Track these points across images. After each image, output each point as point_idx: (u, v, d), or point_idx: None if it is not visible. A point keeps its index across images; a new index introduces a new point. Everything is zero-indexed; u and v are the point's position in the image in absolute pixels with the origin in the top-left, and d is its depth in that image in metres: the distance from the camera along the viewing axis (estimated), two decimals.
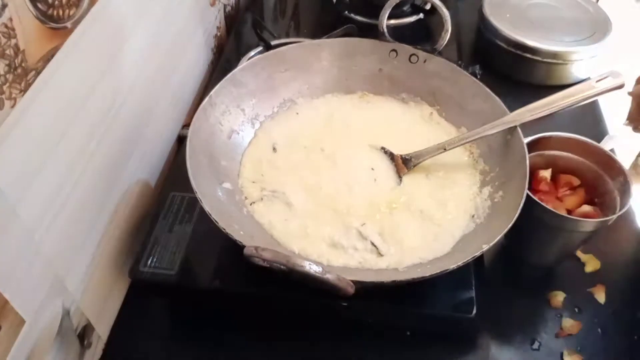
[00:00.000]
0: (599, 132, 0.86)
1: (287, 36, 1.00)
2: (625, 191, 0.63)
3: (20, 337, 0.47)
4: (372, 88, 0.77)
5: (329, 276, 0.48)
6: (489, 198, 0.63)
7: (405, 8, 0.98)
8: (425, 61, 0.74)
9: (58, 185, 0.52)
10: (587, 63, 0.91)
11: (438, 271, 0.50)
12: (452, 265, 0.51)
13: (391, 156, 0.68)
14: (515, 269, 0.70)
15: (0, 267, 0.44)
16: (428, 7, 0.97)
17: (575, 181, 0.67)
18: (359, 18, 0.97)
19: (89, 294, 0.59)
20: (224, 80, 0.68)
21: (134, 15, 0.65)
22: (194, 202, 0.60)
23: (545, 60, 0.90)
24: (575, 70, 0.92)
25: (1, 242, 0.44)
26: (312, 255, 0.58)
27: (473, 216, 0.62)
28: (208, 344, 0.62)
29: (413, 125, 0.73)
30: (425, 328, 0.62)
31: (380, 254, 0.59)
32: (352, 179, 0.65)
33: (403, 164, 0.67)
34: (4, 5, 0.42)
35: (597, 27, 0.93)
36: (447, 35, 0.73)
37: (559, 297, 0.66)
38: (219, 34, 1.00)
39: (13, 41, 0.43)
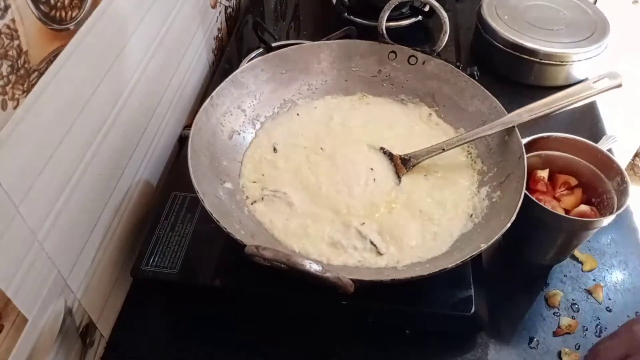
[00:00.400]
0: (598, 132, 0.87)
1: (288, 38, 1.01)
2: (622, 191, 0.63)
3: (22, 336, 0.48)
4: (371, 89, 0.77)
5: (328, 275, 0.48)
6: (487, 198, 0.63)
7: (404, 10, 0.99)
8: (424, 62, 0.74)
9: (60, 185, 0.52)
10: (585, 64, 0.92)
11: (437, 270, 0.51)
12: (450, 264, 0.51)
13: (390, 156, 0.69)
14: (513, 268, 0.70)
15: (3, 266, 0.45)
16: (427, 9, 0.97)
17: (573, 181, 0.68)
18: (358, 20, 0.97)
19: (91, 293, 0.60)
20: (225, 81, 0.68)
21: (136, 17, 0.65)
22: (196, 201, 0.61)
23: (543, 61, 0.91)
24: (573, 71, 0.92)
25: (4, 241, 0.44)
26: (312, 254, 0.59)
27: (471, 216, 0.62)
28: (209, 343, 0.63)
29: (412, 126, 0.74)
30: (424, 326, 0.62)
31: (379, 253, 0.59)
32: (351, 179, 0.65)
33: (402, 164, 0.67)
34: (7, 7, 0.42)
35: (595, 28, 0.93)
36: (445, 37, 0.73)
37: (557, 296, 0.67)
38: (220, 35, 1.00)
39: (16, 42, 0.44)
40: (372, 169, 0.67)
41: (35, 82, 0.46)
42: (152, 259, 0.61)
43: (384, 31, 0.75)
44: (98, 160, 0.59)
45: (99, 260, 0.61)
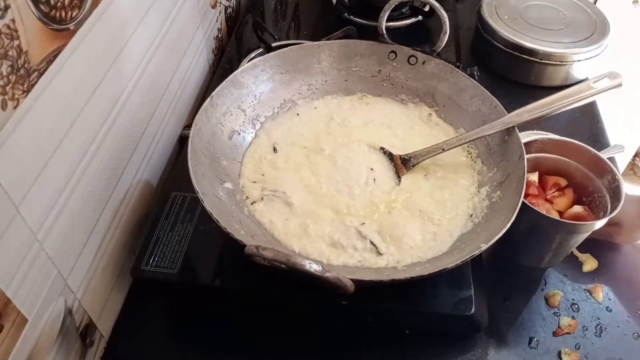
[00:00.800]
0: (598, 132, 0.87)
1: (288, 38, 1.01)
2: (615, 189, 0.63)
3: (22, 336, 0.48)
4: (371, 89, 0.77)
5: (328, 275, 0.48)
6: (487, 198, 0.63)
7: (404, 10, 0.99)
8: (424, 62, 0.74)
9: (60, 185, 0.52)
10: (585, 64, 0.92)
11: (437, 270, 0.51)
12: (450, 264, 0.51)
13: (390, 156, 0.69)
14: (513, 268, 0.70)
15: (3, 266, 0.45)
16: (427, 9, 0.97)
17: (563, 182, 0.68)
18: (358, 20, 0.97)
19: (91, 293, 0.60)
20: (225, 81, 0.68)
21: (136, 17, 0.65)
22: (195, 201, 0.61)
23: (543, 61, 0.91)
24: (573, 71, 0.92)
25: (4, 241, 0.44)
26: (312, 254, 0.59)
27: (471, 216, 0.62)
28: (209, 343, 0.63)
29: (412, 126, 0.74)
30: (424, 326, 0.62)
31: (379, 253, 0.59)
32: (351, 179, 0.65)
33: (402, 164, 0.67)
34: (7, 7, 0.42)
35: (595, 28, 0.94)
36: (445, 37, 0.73)
37: (556, 296, 0.67)
38: (220, 35, 1.00)
39: (16, 42, 0.44)
40: (372, 169, 0.67)
41: (35, 82, 0.46)
42: (152, 259, 0.61)
43: (384, 31, 0.75)
44: (98, 160, 0.59)
45: (99, 260, 0.61)
